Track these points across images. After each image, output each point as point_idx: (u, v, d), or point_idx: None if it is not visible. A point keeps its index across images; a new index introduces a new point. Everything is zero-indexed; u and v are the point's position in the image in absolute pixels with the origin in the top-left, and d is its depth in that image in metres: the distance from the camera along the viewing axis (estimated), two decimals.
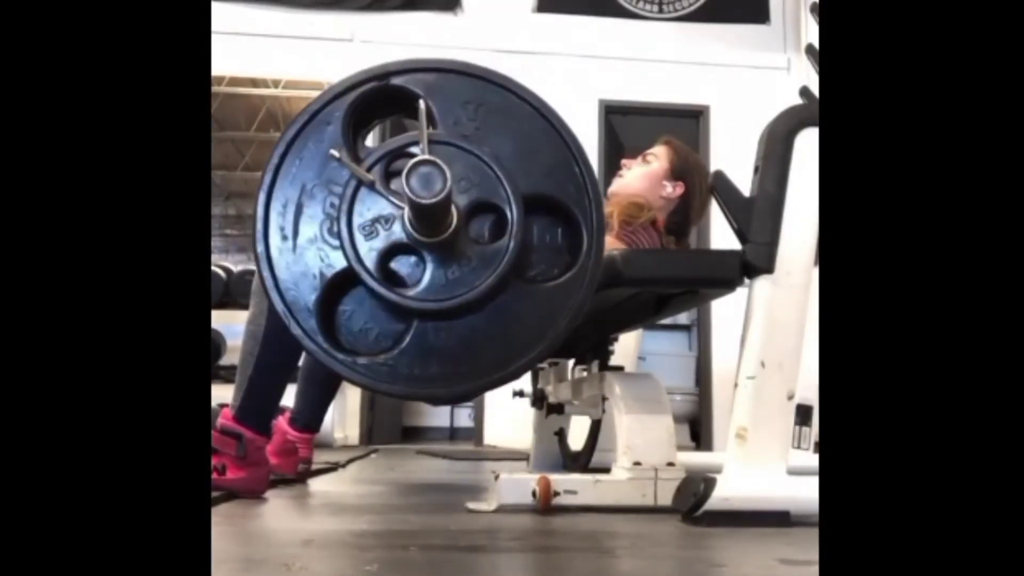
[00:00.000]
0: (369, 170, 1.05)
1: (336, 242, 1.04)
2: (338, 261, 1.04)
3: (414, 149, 1.03)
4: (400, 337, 1.05)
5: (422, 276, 1.04)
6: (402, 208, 1.03)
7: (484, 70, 1.12)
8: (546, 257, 1.10)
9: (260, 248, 1.04)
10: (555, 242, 1.11)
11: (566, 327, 1.07)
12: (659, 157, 2.05)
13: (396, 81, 1.09)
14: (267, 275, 1.04)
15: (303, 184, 1.06)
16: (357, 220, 1.04)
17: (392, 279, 1.05)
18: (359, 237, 1.04)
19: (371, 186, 1.04)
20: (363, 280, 1.03)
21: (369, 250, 1.04)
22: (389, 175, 1.07)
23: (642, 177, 2.03)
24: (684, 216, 2.03)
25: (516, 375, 1.09)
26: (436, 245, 1.03)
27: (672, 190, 2.01)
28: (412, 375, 1.04)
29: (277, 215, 1.05)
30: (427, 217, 1.01)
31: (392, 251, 1.05)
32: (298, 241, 1.05)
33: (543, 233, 1.11)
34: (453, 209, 1.02)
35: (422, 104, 1.03)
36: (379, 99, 1.09)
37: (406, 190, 0.95)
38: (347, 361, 1.04)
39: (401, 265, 1.06)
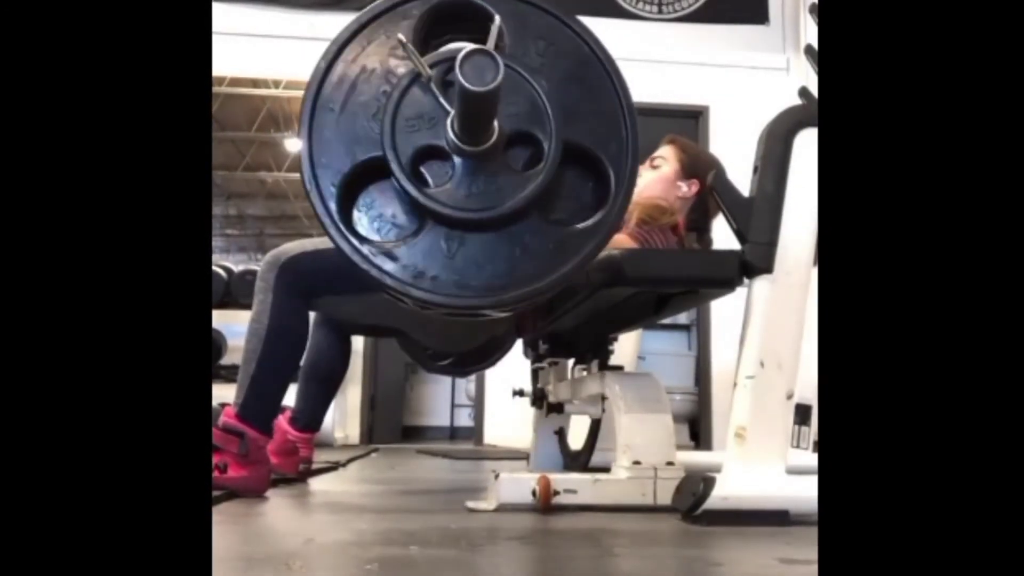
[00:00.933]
0: (431, 68, 1.07)
1: (377, 128, 1.06)
2: (373, 147, 1.06)
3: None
4: (410, 234, 1.07)
5: (448, 182, 1.07)
6: (448, 112, 1.05)
7: (565, 14, 1.15)
8: (569, 206, 1.12)
9: (306, 114, 1.07)
10: (583, 194, 1.13)
11: (568, 273, 1.09)
12: (667, 159, 2.03)
13: None
14: (305, 140, 1.06)
15: (363, 66, 1.09)
16: (403, 112, 1.07)
17: (419, 178, 1.07)
18: (401, 127, 1.06)
19: (428, 81, 1.06)
20: (391, 170, 1.05)
21: (406, 144, 1.06)
22: (446, 84, 1.09)
23: (655, 183, 2.00)
24: (703, 212, 2.02)
25: (505, 304, 1.10)
26: (471, 154, 1.06)
27: (687, 189, 1.99)
28: (408, 270, 1.06)
29: (331, 88, 1.08)
30: (472, 114, 1.02)
31: (427, 152, 1.07)
32: (342, 117, 1.07)
33: (574, 183, 1.13)
34: (496, 125, 1.04)
35: (496, 20, 1.05)
36: (458, 11, 1.12)
37: (458, 75, 0.96)
38: (354, 243, 1.06)
39: (431, 170, 1.08)
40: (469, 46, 0.99)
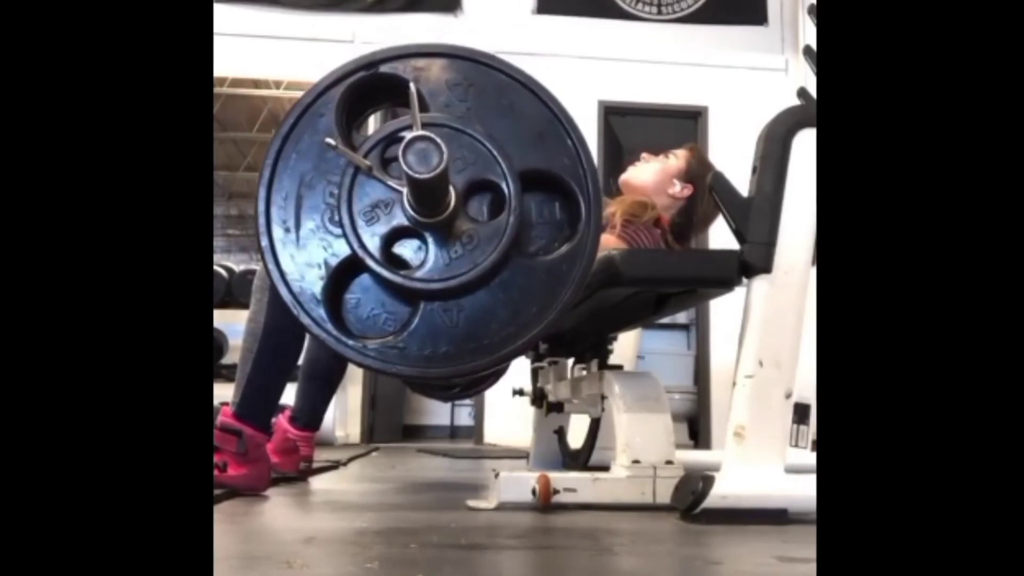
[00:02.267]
0: (365, 157, 1.06)
1: (338, 230, 1.05)
2: (342, 249, 1.05)
3: (408, 133, 1.05)
4: (408, 319, 1.07)
5: (425, 258, 1.06)
6: (400, 191, 1.04)
7: (470, 51, 1.13)
8: (546, 232, 1.12)
9: (264, 242, 1.06)
10: (553, 216, 1.12)
11: (570, 298, 1.09)
12: (679, 157, 2.08)
13: (385, 69, 1.10)
14: (272, 267, 1.05)
15: (302, 176, 1.07)
16: (357, 207, 1.05)
17: (396, 263, 1.06)
18: (361, 223, 1.05)
19: (368, 171, 1.05)
20: (368, 265, 1.04)
21: (372, 235, 1.05)
22: (385, 162, 1.08)
23: (656, 171, 2.06)
24: (687, 219, 2.04)
25: (524, 349, 1.10)
26: (436, 225, 1.05)
27: (680, 190, 2.03)
28: (423, 356, 1.06)
29: (278, 208, 1.06)
30: (426, 194, 1.02)
31: (394, 235, 1.06)
32: (301, 232, 1.06)
33: (541, 208, 1.12)
34: (451, 189, 1.03)
35: (412, 88, 1.03)
36: (370, 88, 1.11)
37: (404, 166, 0.96)
38: (357, 347, 1.05)
39: (404, 249, 1.08)
40: (402, 131, 0.98)
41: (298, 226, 1.06)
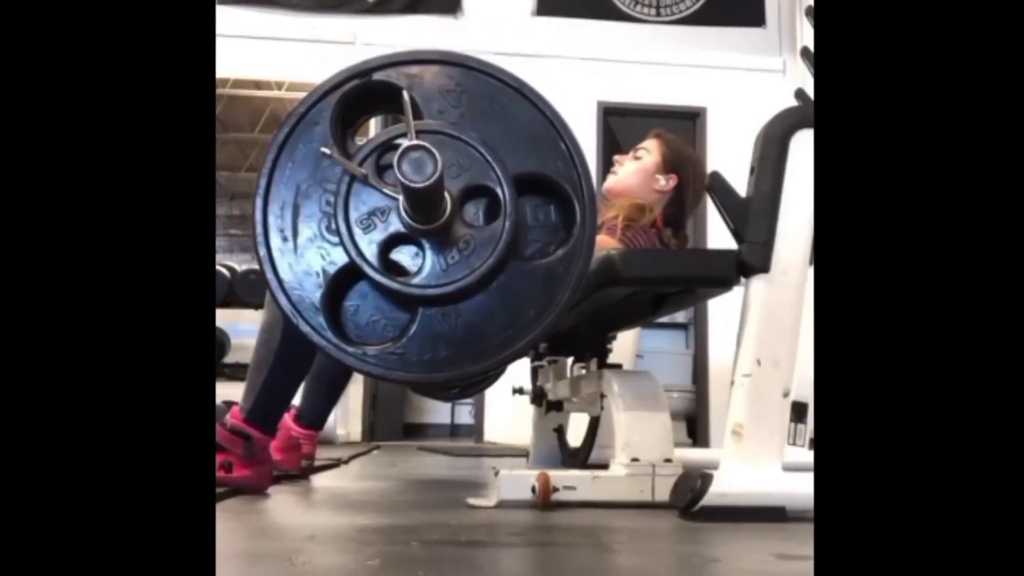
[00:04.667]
0: (360, 165, 1.06)
1: (335, 239, 1.05)
2: (339, 257, 1.06)
3: (402, 141, 1.05)
4: (407, 325, 1.07)
5: (423, 264, 1.06)
6: (396, 199, 1.05)
7: (461, 57, 1.13)
8: (542, 235, 1.12)
9: (262, 252, 1.06)
10: (549, 219, 1.13)
11: (567, 300, 1.09)
12: (650, 151, 2.06)
13: (378, 76, 1.10)
14: (271, 277, 1.06)
15: (298, 185, 1.07)
16: (354, 215, 1.06)
17: (394, 269, 1.07)
18: (357, 231, 1.05)
19: (364, 180, 1.05)
20: (365, 273, 1.05)
21: (369, 243, 1.05)
22: (380, 169, 1.08)
23: (635, 173, 2.04)
24: (679, 207, 2.04)
25: (524, 352, 1.10)
26: (433, 232, 1.05)
27: (665, 183, 2.02)
28: (422, 361, 1.06)
29: (275, 218, 1.07)
30: (422, 202, 1.02)
31: (391, 242, 1.06)
32: (298, 241, 1.07)
33: (536, 211, 1.12)
34: (447, 195, 1.04)
35: (405, 96, 1.04)
36: (364, 95, 1.11)
37: (399, 176, 0.96)
38: (357, 353, 1.06)
39: (401, 255, 1.08)
40: (396, 139, 0.99)
41: (295, 235, 1.06)
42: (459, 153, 1.07)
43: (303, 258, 1.06)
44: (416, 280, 1.05)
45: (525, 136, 1.11)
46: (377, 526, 1.24)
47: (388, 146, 1.07)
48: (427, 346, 1.06)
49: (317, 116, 1.08)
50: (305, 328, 1.05)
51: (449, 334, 1.07)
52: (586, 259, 1.10)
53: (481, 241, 1.06)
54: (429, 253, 1.06)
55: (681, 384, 5.08)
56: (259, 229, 1.06)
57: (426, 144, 0.97)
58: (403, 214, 1.05)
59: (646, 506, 1.48)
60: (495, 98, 1.11)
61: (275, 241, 1.06)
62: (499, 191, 1.07)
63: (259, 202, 1.07)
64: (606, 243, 1.77)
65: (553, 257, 1.10)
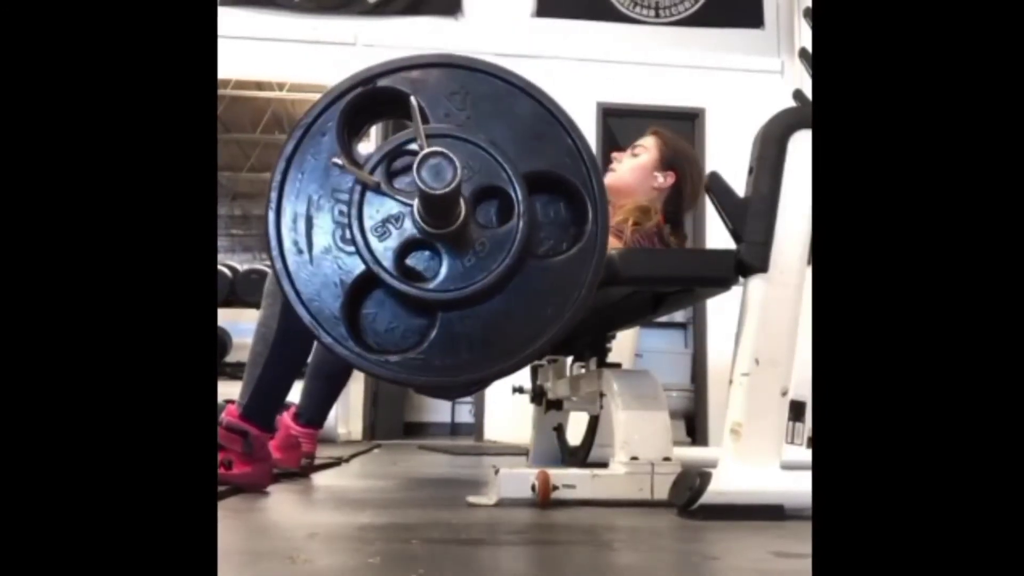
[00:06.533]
0: (371, 173, 1.06)
1: (351, 248, 1.05)
2: (356, 266, 1.06)
3: (412, 146, 1.05)
4: (427, 330, 1.07)
5: (439, 268, 1.06)
6: (410, 205, 1.04)
7: (465, 59, 1.13)
8: (554, 232, 1.12)
9: (278, 265, 1.05)
10: (560, 216, 1.13)
11: (585, 296, 1.09)
12: (648, 148, 2.06)
13: (383, 83, 1.10)
14: (289, 290, 1.05)
15: (309, 197, 1.07)
16: (368, 223, 1.06)
17: (411, 275, 1.06)
18: (373, 239, 1.05)
19: (377, 188, 1.05)
20: (383, 280, 1.05)
21: (384, 250, 1.05)
22: (391, 175, 1.08)
23: (632, 170, 2.04)
24: (677, 204, 2.04)
25: (544, 351, 1.11)
26: (448, 236, 1.05)
27: (663, 180, 2.02)
28: (444, 365, 1.06)
29: (289, 231, 1.06)
30: (439, 208, 1.02)
31: (407, 248, 1.07)
32: (313, 253, 1.06)
33: (547, 209, 1.13)
34: (460, 200, 1.04)
35: (413, 101, 1.04)
36: (370, 103, 1.11)
37: (418, 183, 0.96)
38: (379, 361, 1.06)
39: (417, 261, 1.08)
40: (410, 155, 0.98)
41: (310, 247, 1.06)
42: (469, 155, 1.07)
43: (320, 269, 1.06)
44: (434, 285, 1.06)
45: (531, 134, 1.11)
46: (377, 524, 1.25)
47: (399, 152, 1.07)
48: (449, 350, 1.06)
49: (323, 126, 1.08)
50: (327, 339, 1.05)
51: (469, 336, 1.07)
52: (601, 253, 1.10)
53: (496, 242, 1.06)
54: (446, 257, 1.06)
55: (680, 383, 5.09)
56: (273, 243, 1.06)
57: (445, 150, 0.97)
58: (418, 219, 1.05)
59: (645, 504, 1.48)
60: (500, 98, 1.11)
61: (290, 254, 1.06)
62: (511, 191, 1.07)
63: (271, 216, 1.06)
64: (613, 246, 1.77)
65: (568, 254, 1.10)
